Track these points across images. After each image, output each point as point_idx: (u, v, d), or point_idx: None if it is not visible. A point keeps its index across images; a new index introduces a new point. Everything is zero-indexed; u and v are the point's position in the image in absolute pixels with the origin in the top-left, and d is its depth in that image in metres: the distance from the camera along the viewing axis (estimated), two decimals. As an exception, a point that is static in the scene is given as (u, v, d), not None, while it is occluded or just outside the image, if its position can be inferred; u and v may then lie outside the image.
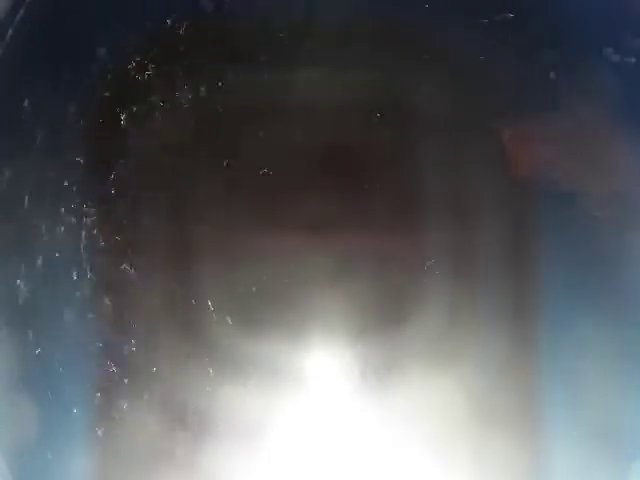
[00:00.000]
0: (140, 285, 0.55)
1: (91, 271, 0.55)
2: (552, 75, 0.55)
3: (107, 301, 0.55)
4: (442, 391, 0.54)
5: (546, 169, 0.55)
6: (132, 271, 0.55)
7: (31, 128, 0.55)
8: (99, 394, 0.54)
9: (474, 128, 0.56)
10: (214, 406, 0.54)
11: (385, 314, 0.55)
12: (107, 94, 0.56)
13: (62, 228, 0.55)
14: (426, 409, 0.54)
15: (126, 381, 0.54)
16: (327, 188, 0.56)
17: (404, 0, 0.56)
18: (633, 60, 0.55)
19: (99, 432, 0.54)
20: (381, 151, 0.57)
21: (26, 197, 0.54)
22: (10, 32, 0.55)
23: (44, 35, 0.56)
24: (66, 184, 0.55)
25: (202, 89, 0.56)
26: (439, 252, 0.55)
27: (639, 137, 0.54)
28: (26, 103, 0.55)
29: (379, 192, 0.56)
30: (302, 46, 0.56)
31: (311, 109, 0.56)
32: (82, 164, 0.55)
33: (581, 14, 0.56)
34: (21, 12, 0.55)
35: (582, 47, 0.55)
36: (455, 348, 0.54)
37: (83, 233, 0.55)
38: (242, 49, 0.56)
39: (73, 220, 0.55)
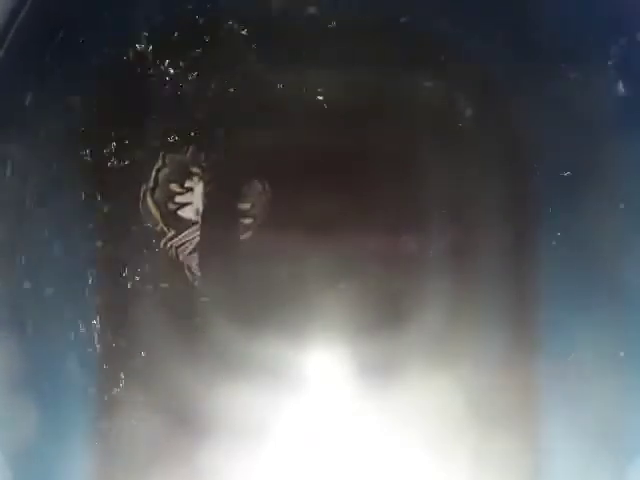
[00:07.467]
0: (140, 286, 0.55)
1: (92, 274, 0.55)
2: (553, 75, 0.55)
3: (107, 302, 0.55)
4: (442, 391, 0.54)
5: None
6: (132, 270, 0.55)
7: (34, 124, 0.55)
8: (99, 394, 0.54)
9: (474, 128, 0.56)
10: (214, 406, 0.54)
11: (385, 314, 0.55)
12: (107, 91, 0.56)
13: (64, 225, 0.55)
14: (426, 409, 0.54)
15: (127, 381, 0.54)
16: (327, 188, 0.56)
17: (406, 1, 0.57)
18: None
19: (99, 432, 0.54)
20: (381, 151, 0.57)
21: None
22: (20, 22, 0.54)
23: (50, 26, 0.56)
24: (69, 181, 0.55)
25: (202, 89, 0.56)
26: (439, 252, 0.55)
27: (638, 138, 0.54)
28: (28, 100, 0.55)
29: (379, 192, 0.56)
30: (302, 47, 0.56)
31: (311, 109, 0.56)
32: (84, 163, 0.55)
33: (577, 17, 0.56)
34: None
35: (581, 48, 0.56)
36: (455, 348, 0.54)
37: (83, 231, 0.55)
38: (248, 50, 0.57)
39: (75, 216, 0.55)
